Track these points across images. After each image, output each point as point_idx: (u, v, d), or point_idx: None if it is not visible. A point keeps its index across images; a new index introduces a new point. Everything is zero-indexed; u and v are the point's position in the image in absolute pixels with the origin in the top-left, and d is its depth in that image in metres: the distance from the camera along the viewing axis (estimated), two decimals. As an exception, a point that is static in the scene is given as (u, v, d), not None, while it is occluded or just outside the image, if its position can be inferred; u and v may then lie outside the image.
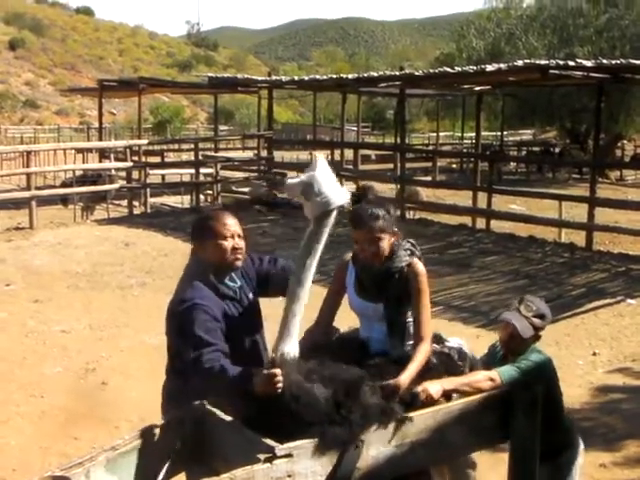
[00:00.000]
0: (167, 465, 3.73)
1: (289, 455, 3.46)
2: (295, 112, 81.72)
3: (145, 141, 24.98)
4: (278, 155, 27.24)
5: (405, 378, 4.12)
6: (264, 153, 25.71)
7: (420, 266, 4.59)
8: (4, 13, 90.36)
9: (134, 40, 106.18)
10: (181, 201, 22.78)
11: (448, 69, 21.08)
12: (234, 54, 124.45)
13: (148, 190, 21.40)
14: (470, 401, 4.14)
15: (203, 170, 23.11)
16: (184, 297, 4.42)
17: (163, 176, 25.11)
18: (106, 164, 23.70)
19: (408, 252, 4.63)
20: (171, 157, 32.87)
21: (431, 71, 22.75)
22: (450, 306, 12.26)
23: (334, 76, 25.85)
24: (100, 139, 29.27)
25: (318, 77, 28.20)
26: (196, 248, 4.62)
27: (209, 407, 3.87)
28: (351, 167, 29.08)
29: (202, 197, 22.92)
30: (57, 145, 30.82)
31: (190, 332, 4.25)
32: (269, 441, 3.52)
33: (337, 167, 25.72)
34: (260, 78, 27.00)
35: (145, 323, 11.08)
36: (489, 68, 17.75)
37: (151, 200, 21.60)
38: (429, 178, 29.31)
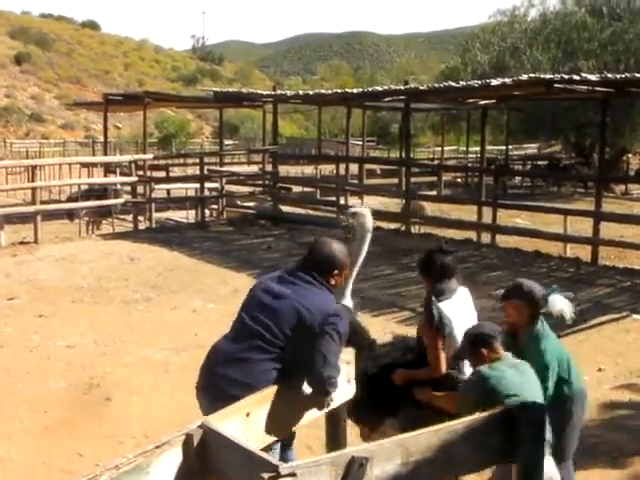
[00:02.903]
0: (171, 484, 3.71)
1: (293, 474, 3.43)
2: (300, 126, 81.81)
3: (150, 155, 25.00)
4: (283, 169, 27.31)
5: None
6: (269, 167, 25.75)
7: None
8: (10, 27, 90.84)
9: (140, 54, 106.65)
10: (186, 216, 22.81)
11: (453, 83, 21.09)
12: (239, 68, 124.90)
13: (153, 205, 21.41)
14: (474, 419, 4.12)
15: (208, 184, 23.12)
16: (340, 307, 5.13)
17: (168, 191, 25.14)
18: (111, 178, 23.72)
19: None
20: (176, 171, 32.90)
21: (436, 85, 22.76)
22: (455, 321, 12.25)
23: (339, 90, 25.88)
24: (105, 153, 29.27)
25: (323, 91, 28.25)
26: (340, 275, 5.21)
27: (213, 425, 3.86)
28: (356, 181, 29.12)
29: (207, 212, 22.92)
30: (62, 159, 30.89)
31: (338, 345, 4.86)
32: (273, 460, 3.51)
33: (342, 181, 25.77)
34: (265, 92, 27.00)
35: (150, 338, 11.09)
36: (494, 82, 17.75)
37: (156, 215, 21.60)
38: (434, 192, 29.32)
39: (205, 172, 23.57)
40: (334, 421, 5.19)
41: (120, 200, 21.03)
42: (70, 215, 20.84)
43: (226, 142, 44.92)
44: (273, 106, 25.68)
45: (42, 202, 20.17)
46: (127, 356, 10.36)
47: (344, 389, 5.10)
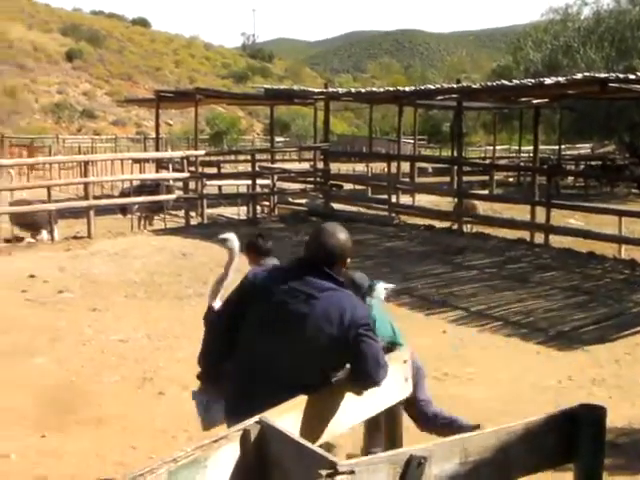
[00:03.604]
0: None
1: (351, 472, 3.41)
2: (350, 124, 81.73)
3: (202, 152, 25.13)
4: (334, 167, 27.24)
5: None
6: (320, 165, 25.76)
7: None
8: (61, 24, 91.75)
9: (190, 51, 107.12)
10: (238, 212, 22.84)
11: (506, 82, 20.99)
12: (290, 65, 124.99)
13: (205, 201, 21.50)
14: (534, 421, 4.08)
15: (260, 181, 23.17)
16: (359, 302, 4.74)
17: (220, 187, 25.21)
18: (163, 174, 23.85)
19: None
20: (227, 168, 33.00)
21: (489, 84, 22.67)
22: (508, 322, 12.14)
23: (391, 88, 25.88)
24: (157, 149, 29.49)
25: (375, 89, 28.28)
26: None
27: (271, 421, 3.85)
28: (407, 180, 29.05)
29: (258, 208, 22.96)
30: (114, 155, 31.15)
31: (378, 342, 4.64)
32: (330, 456, 3.48)
33: (394, 180, 25.71)
34: (316, 90, 27.03)
35: (202, 334, 11.08)
36: (548, 81, 17.63)
37: (208, 211, 21.69)
38: (486, 191, 29.15)
39: (257, 169, 23.64)
40: (391, 419, 5.17)
41: (172, 196, 21.17)
42: (123, 210, 20.99)
43: (277, 139, 44.97)
44: (325, 103, 25.64)
45: (95, 197, 20.34)
46: (180, 351, 10.37)
47: (402, 387, 5.07)
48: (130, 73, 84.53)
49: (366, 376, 4.46)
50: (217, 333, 4.88)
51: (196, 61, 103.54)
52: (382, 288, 7.16)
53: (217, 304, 6.93)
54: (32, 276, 14.54)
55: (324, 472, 3.38)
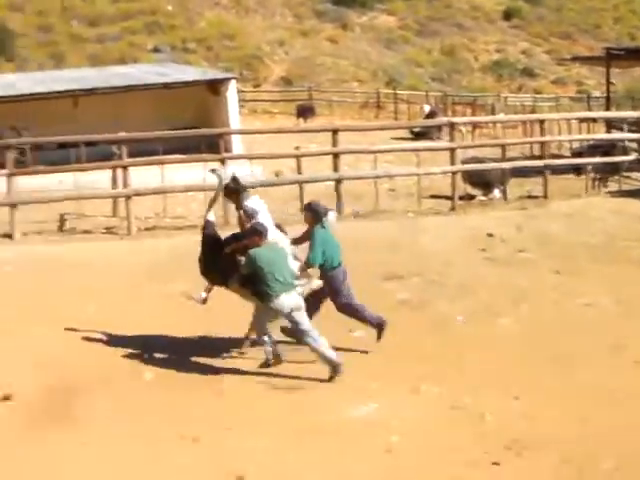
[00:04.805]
0: None
1: None
2: None
3: (652, 113, 23.89)
4: None
5: None
6: None
7: None
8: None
9: (630, 7, 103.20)
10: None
11: None
12: None
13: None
14: None
15: None
16: None
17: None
18: (618, 134, 23.00)
19: None
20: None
21: None
22: None
23: None
24: (607, 109, 28.63)
25: None
26: None
27: None
28: None
29: None
30: (563, 115, 30.67)
31: None
32: None
33: None
34: None
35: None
36: None
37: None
38: None
39: None
40: None
41: (630, 157, 20.29)
42: (577, 170, 20.47)
43: None
44: None
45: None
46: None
47: None
48: (569, 31, 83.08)
49: None
50: None
51: (637, 17, 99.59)
52: (331, 217, 9.41)
53: (211, 217, 9.36)
54: (490, 235, 14.67)
55: None
